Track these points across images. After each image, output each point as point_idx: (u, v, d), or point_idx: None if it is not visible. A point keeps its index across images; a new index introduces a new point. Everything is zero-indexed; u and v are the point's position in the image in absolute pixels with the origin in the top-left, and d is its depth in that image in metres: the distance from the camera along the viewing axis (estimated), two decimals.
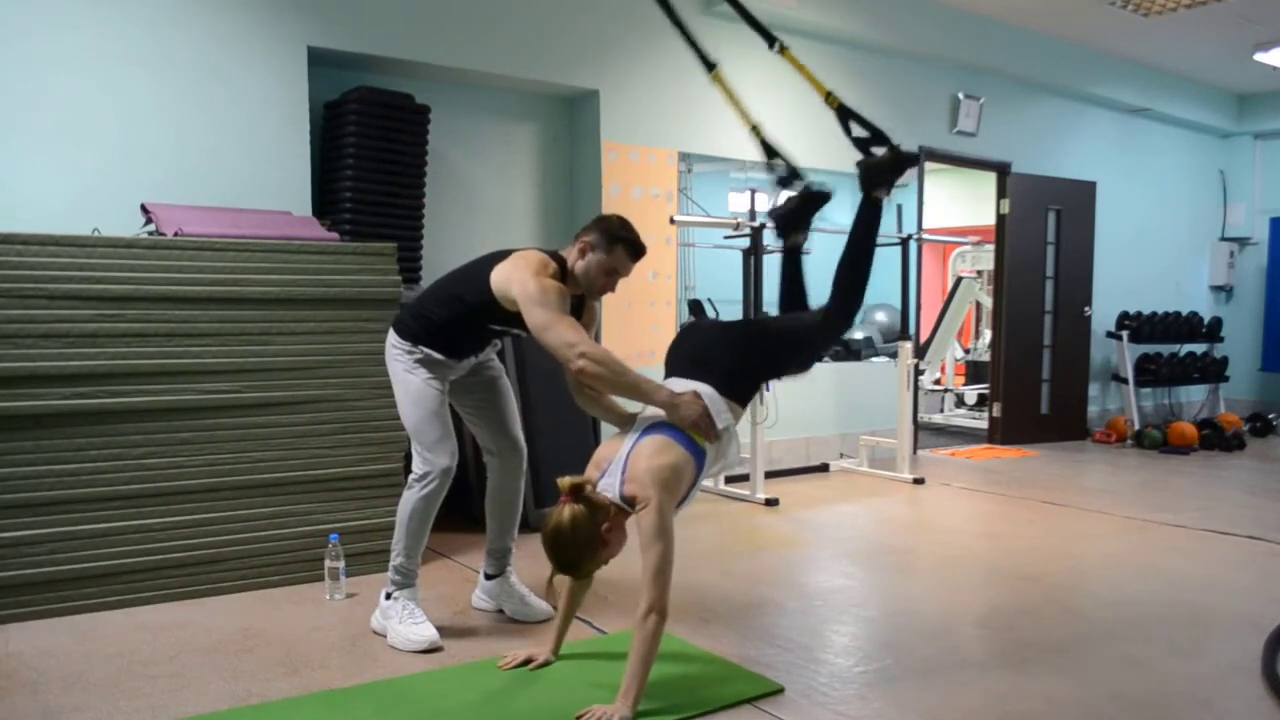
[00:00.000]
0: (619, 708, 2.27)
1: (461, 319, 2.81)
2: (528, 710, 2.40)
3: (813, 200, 2.89)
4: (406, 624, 2.83)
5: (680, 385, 2.54)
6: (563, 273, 2.74)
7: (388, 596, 2.90)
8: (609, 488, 2.38)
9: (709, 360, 2.61)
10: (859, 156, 2.78)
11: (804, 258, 3.00)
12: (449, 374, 2.90)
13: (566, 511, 2.30)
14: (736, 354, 2.66)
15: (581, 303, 2.84)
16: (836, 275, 2.74)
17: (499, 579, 3.12)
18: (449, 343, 2.84)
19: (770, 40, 2.95)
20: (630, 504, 2.35)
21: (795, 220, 2.93)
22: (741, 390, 2.63)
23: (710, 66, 2.96)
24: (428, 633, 2.80)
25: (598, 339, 3.09)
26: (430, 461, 2.82)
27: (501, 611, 3.12)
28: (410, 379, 2.84)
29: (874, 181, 2.75)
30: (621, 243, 2.74)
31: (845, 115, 2.81)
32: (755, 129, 2.95)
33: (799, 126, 5.77)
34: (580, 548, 2.32)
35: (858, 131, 2.80)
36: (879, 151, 2.77)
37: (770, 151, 2.97)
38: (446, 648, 2.81)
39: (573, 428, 4.39)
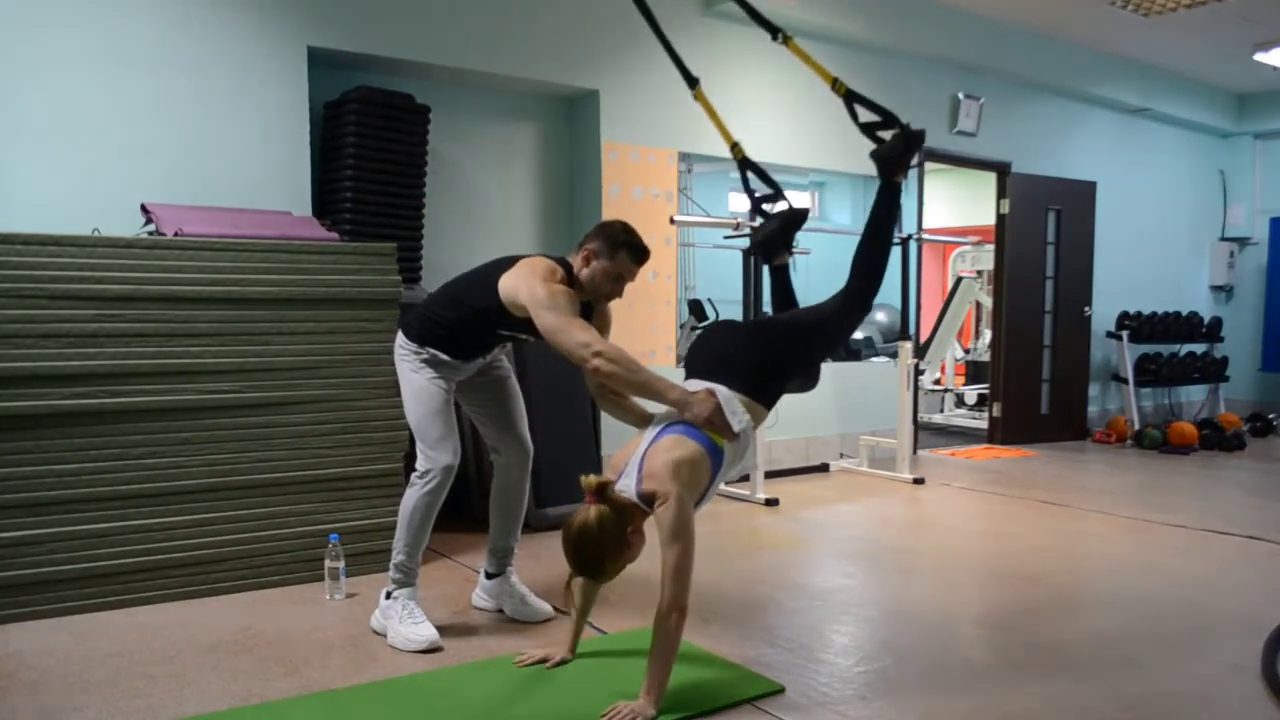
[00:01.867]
0: (643, 706, 2.28)
1: (468, 323, 2.82)
2: (527, 710, 2.40)
3: (791, 221, 2.99)
4: (406, 624, 2.83)
5: (696, 385, 2.53)
6: (569, 279, 2.75)
7: (388, 596, 2.90)
8: (626, 488, 2.36)
9: (727, 361, 2.59)
10: (870, 149, 2.82)
11: (792, 272, 3.08)
12: (455, 375, 2.91)
13: (593, 512, 2.26)
14: (753, 351, 2.65)
15: (590, 308, 2.85)
16: (856, 256, 2.78)
17: (499, 578, 3.13)
18: (455, 345, 2.85)
19: (774, 32, 2.97)
20: (648, 502, 2.33)
21: (776, 244, 3.03)
22: (763, 389, 2.58)
23: (693, 83, 3.02)
24: (427, 632, 2.81)
25: None
26: (432, 459, 2.83)
27: (501, 611, 3.12)
28: (415, 378, 2.86)
29: (891, 168, 2.79)
30: (625, 248, 2.75)
31: (852, 100, 2.83)
32: (735, 146, 3.00)
33: (800, 124, 5.80)
34: (606, 549, 2.28)
35: (866, 117, 2.82)
36: (887, 135, 2.80)
37: (748, 169, 3.03)
38: (446, 647, 2.81)
39: (573, 429, 4.39)
